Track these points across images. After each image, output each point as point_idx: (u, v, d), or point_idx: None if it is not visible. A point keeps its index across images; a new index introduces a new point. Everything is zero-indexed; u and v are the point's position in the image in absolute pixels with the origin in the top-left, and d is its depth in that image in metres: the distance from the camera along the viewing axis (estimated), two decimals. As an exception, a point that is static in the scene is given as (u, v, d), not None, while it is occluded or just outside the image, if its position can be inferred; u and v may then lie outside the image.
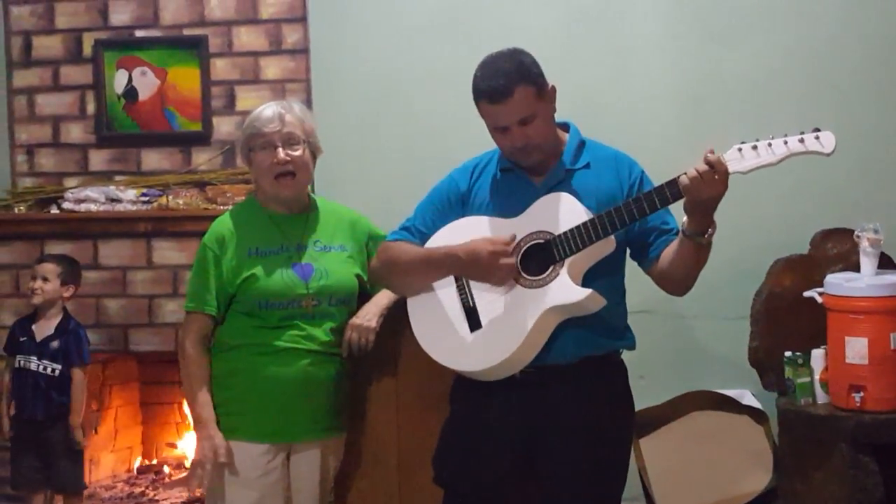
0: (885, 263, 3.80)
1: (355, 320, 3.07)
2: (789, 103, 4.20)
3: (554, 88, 2.77)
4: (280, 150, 2.98)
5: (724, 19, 4.28)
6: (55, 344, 4.37)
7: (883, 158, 4.17)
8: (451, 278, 2.80)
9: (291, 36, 4.66)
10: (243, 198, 4.34)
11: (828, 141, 2.54)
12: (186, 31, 4.74)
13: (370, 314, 3.08)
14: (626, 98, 4.31)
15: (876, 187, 4.15)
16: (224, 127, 4.72)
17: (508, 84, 2.67)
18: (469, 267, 2.71)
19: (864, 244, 3.71)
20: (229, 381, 2.98)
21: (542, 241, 2.69)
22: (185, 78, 4.73)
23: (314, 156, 3.09)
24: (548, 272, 2.67)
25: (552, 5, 4.40)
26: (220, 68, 4.72)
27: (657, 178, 2.77)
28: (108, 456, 5.06)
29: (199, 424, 2.98)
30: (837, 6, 4.19)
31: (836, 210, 4.11)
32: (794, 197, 4.19)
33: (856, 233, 3.76)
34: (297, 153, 3.02)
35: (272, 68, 4.68)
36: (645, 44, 4.33)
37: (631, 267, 2.92)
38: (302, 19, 4.64)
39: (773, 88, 4.23)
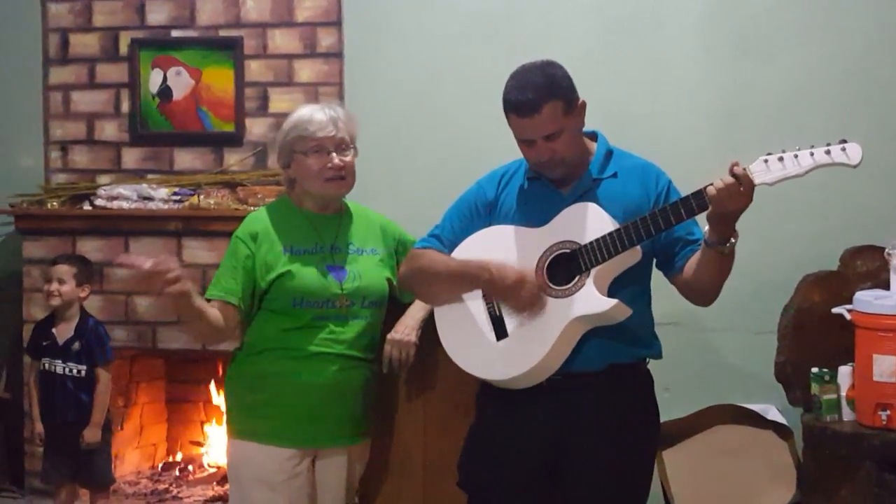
0: (915, 282, 3.78)
1: (394, 335, 3.08)
2: (821, 118, 4.19)
3: (584, 103, 2.77)
4: (334, 155, 2.99)
5: (758, 33, 4.27)
6: (77, 345, 4.37)
7: (915, 176, 4.15)
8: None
9: (326, 39, 4.69)
10: (274, 199, 4.40)
11: (854, 153, 2.53)
12: (222, 33, 4.78)
13: (408, 328, 3.08)
14: (658, 110, 4.31)
15: (908, 205, 4.13)
16: (257, 128, 4.75)
17: (537, 99, 2.67)
18: (495, 287, 2.72)
19: (895, 262, 3.69)
20: (258, 384, 2.98)
21: (568, 250, 2.70)
22: (220, 79, 4.76)
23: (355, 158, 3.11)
24: (574, 282, 2.68)
25: (588, 15, 4.40)
26: (255, 70, 4.75)
27: (688, 191, 2.77)
28: (133, 452, 5.10)
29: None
30: (870, 21, 4.17)
31: (867, 227, 4.10)
32: (824, 212, 4.17)
33: (886, 250, 3.74)
34: (348, 158, 3.03)
35: (306, 71, 4.71)
36: (679, 56, 4.33)
37: (658, 279, 2.92)
38: (337, 23, 4.67)
39: (805, 103, 4.22)
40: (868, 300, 3.67)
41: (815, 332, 3.94)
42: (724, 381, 4.28)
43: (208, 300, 3.00)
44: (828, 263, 4.05)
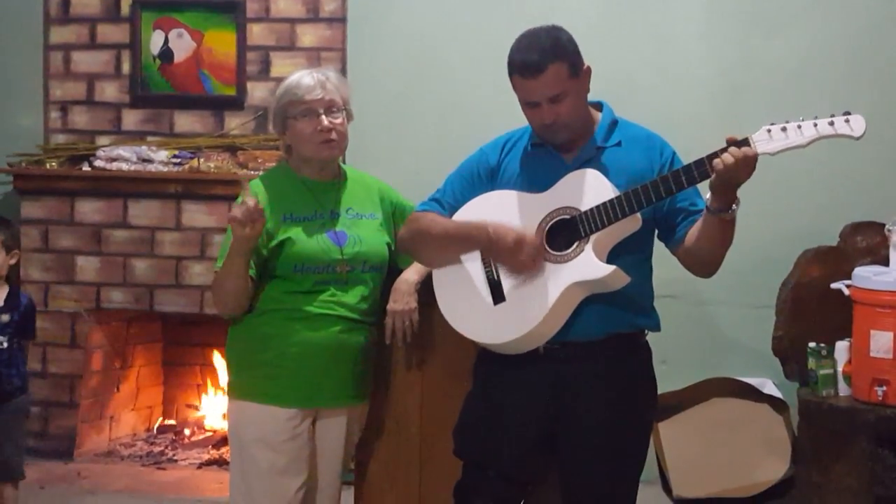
0: (914, 259, 3.79)
1: (394, 306, 3.07)
2: (825, 92, 4.18)
3: (589, 69, 2.76)
4: (324, 117, 2.99)
5: (764, 6, 4.26)
6: (5, 317, 3.71)
7: (919, 153, 4.14)
8: (478, 251, 2.80)
9: (329, 4, 4.67)
10: (274, 163, 4.37)
11: (857, 124, 2.52)
12: (224, -5, 4.76)
13: (406, 295, 3.08)
14: (663, 82, 4.30)
15: (910, 182, 4.13)
16: (258, 92, 4.74)
17: (542, 60, 2.66)
18: (493, 247, 2.72)
19: (895, 238, 3.70)
20: (259, 344, 2.98)
21: (567, 216, 2.69)
22: (221, 42, 4.74)
23: (348, 122, 3.10)
24: (573, 248, 2.67)
25: (594, -14, 4.38)
26: (257, 34, 4.73)
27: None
28: (129, 414, 5.12)
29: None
30: (877, -3, 4.17)
31: (868, 203, 4.10)
32: (825, 188, 4.18)
33: (886, 227, 3.75)
34: (339, 121, 3.02)
35: (308, 36, 4.69)
36: (684, 28, 4.32)
37: (657, 251, 2.92)
38: (340, -12, 4.65)
39: (809, 77, 4.21)
40: (867, 276, 3.68)
41: (813, 307, 3.95)
42: (721, 355, 4.29)
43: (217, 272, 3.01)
44: (828, 239, 4.05)
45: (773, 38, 4.23)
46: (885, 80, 4.16)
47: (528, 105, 2.73)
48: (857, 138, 2.52)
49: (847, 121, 2.51)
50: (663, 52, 4.33)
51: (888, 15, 4.16)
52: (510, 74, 2.73)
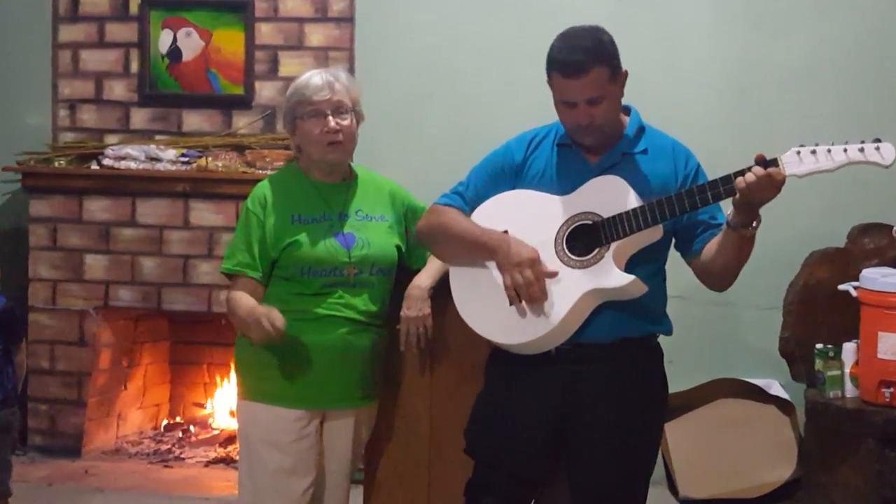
0: (922, 261, 3.79)
1: (408, 312, 3.07)
2: (832, 94, 4.19)
3: (626, 73, 2.76)
4: (330, 118, 2.98)
5: (772, 8, 4.26)
6: None
7: (926, 155, 4.14)
8: None
9: (337, 4, 4.67)
10: (282, 163, 4.39)
11: (888, 153, 2.52)
12: (233, -6, 4.77)
13: (419, 301, 3.07)
14: (671, 83, 4.30)
15: (917, 184, 4.12)
16: (266, 91, 4.75)
17: (586, 61, 2.65)
18: (504, 262, 2.72)
19: (902, 240, 3.70)
20: (268, 346, 2.99)
21: (589, 222, 2.69)
22: (230, 41, 4.75)
23: (358, 123, 3.10)
24: (593, 254, 2.67)
25: (602, -13, 4.38)
26: (265, 33, 4.74)
27: (708, 169, 2.78)
28: (136, 412, 5.13)
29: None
30: (882, -2, 4.17)
31: (875, 205, 4.10)
32: (833, 190, 4.16)
33: (894, 229, 3.75)
34: (346, 122, 3.01)
35: (316, 35, 4.70)
36: (692, 30, 4.32)
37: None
38: (349, -12, 4.65)
39: (816, 77, 4.22)
40: (874, 277, 3.68)
41: (820, 309, 3.96)
42: (729, 355, 4.30)
43: (228, 274, 3.02)
44: (835, 240, 4.06)
45: (779, 39, 4.24)
46: (891, 82, 4.16)
47: (564, 104, 2.70)
48: (887, 167, 2.52)
49: (878, 148, 2.51)
50: (671, 53, 4.33)
51: (894, 17, 4.16)
52: (549, 71, 2.71)
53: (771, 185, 2.52)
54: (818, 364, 3.83)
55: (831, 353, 3.80)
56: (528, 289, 2.67)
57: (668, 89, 4.27)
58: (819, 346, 3.84)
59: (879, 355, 3.61)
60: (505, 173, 2.83)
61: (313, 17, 4.70)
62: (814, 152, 2.54)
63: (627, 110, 2.84)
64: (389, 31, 4.61)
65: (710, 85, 4.29)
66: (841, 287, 3.82)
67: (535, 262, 2.68)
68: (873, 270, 3.76)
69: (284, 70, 4.70)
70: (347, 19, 4.66)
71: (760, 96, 4.24)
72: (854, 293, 3.75)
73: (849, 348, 3.80)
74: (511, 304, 2.73)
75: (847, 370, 3.79)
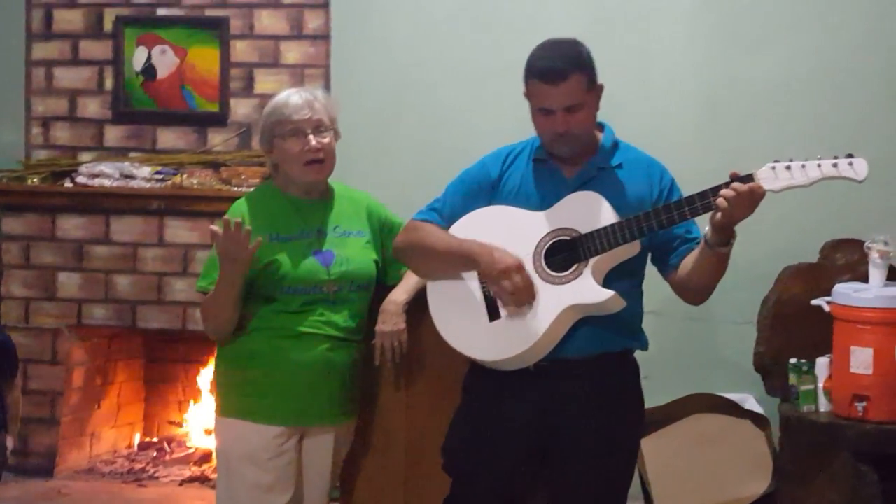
0: (893, 275, 3.82)
1: (383, 327, 3.07)
2: (807, 110, 4.22)
3: (602, 86, 2.79)
4: (311, 137, 2.99)
5: (747, 25, 4.30)
6: None
7: (897, 170, 4.18)
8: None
9: (313, 22, 4.68)
10: (258, 180, 4.39)
11: (860, 168, 2.56)
12: (208, 12, 4.77)
13: (395, 316, 3.07)
14: (646, 100, 4.33)
15: (888, 199, 4.16)
16: (241, 109, 4.74)
17: (566, 68, 2.68)
18: (489, 272, 2.72)
19: (874, 255, 3.74)
20: (246, 362, 2.98)
21: (567, 237, 2.70)
22: (205, 58, 4.75)
23: (336, 141, 3.11)
24: (571, 270, 2.68)
25: (577, 5, 4.41)
26: (240, 50, 4.74)
27: (683, 184, 2.80)
28: (110, 431, 5.09)
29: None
30: (859, 15, 4.21)
31: (847, 220, 4.13)
32: (805, 205, 4.19)
33: (866, 244, 3.78)
34: (326, 140, 3.02)
35: (292, 53, 4.70)
36: (667, 47, 4.35)
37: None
38: (324, 5, 4.66)
39: (791, 94, 4.25)
40: (847, 293, 3.71)
41: (794, 324, 3.98)
42: (704, 371, 4.31)
43: (203, 292, 3.00)
44: (808, 256, 4.09)
45: (754, 55, 4.27)
46: (866, 98, 4.20)
47: (542, 112, 2.72)
48: (860, 181, 2.55)
49: (850, 164, 2.55)
50: (646, 71, 4.36)
51: (868, 33, 4.21)
52: (528, 79, 2.73)
53: (751, 199, 2.54)
54: (792, 379, 3.85)
55: (805, 368, 3.83)
56: (517, 295, 2.68)
57: (641, 105, 4.30)
58: (793, 360, 3.86)
59: (852, 369, 3.63)
60: (481, 189, 2.84)
61: (289, 34, 4.71)
62: (788, 168, 2.57)
63: (601, 126, 2.86)
64: (365, 49, 4.61)
65: (683, 100, 4.32)
66: (814, 302, 3.85)
67: (521, 268, 2.68)
68: (846, 286, 3.79)
69: (260, 87, 4.70)
70: (323, 37, 4.67)
71: (735, 111, 4.27)
72: (827, 308, 3.78)
73: (822, 363, 3.82)
74: (492, 319, 2.73)
75: (821, 385, 3.81)
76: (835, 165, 2.55)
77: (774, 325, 4.01)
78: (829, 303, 3.78)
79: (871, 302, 3.64)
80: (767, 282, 4.07)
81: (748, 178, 2.57)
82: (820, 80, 4.22)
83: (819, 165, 2.55)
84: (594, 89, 2.74)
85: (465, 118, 4.38)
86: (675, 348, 4.26)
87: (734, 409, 4.15)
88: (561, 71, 2.67)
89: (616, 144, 2.84)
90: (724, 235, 2.61)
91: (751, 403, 4.15)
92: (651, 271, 2.89)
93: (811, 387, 3.81)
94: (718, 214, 2.57)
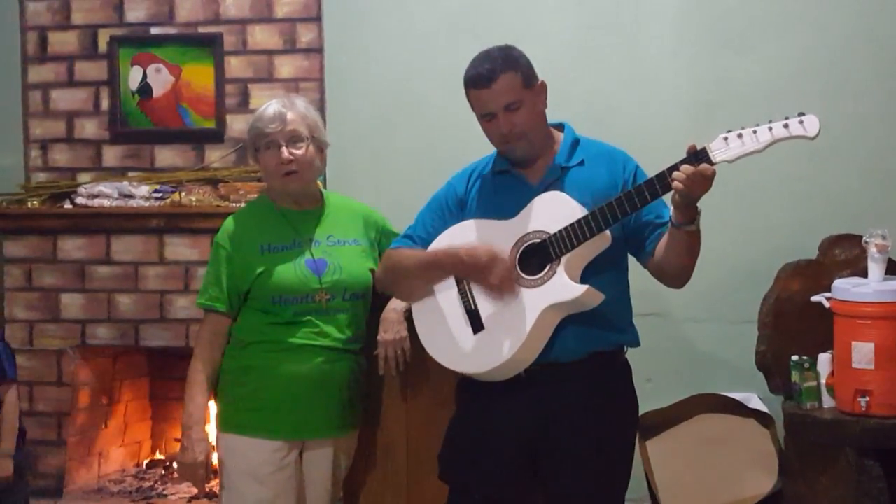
0: (892, 269, 3.82)
1: (384, 336, 3.08)
2: (798, 110, 4.19)
3: (544, 84, 2.81)
4: (284, 149, 3.00)
5: (736, 25, 4.30)
6: None
7: (893, 165, 4.18)
8: (453, 282, 2.82)
9: (306, 35, 4.69)
10: (255, 195, 4.39)
11: (811, 125, 2.54)
12: (201, 29, 4.78)
13: (395, 324, 3.09)
14: (638, 103, 4.33)
15: (885, 193, 4.17)
16: (237, 125, 4.75)
17: (494, 68, 2.73)
18: (467, 268, 2.74)
19: (872, 250, 3.73)
20: (244, 377, 3.00)
21: (538, 240, 2.72)
22: (200, 75, 4.76)
23: (321, 150, 3.11)
24: (545, 271, 2.70)
25: (566, 10, 4.42)
26: (235, 66, 4.75)
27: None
28: (118, 450, 5.10)
29: (189, 423, 3.00)
30: (848, 13, 4.21)
31: (845, 216, 4.13)
32: (803, 202, 4.21)
33: (864, 239, 3.78)
34: (300, 151, 3.03)
35: (286, 67, 4.71)
36: (657, 49, 4.36)
37: (639, 269, 2.94)
38: (317, 19, 4.67)
39: (784, 94, 4.24)
40: (846, 288, 3.70)
41: (794, 321, 3.98)
42: (706, 371, 4.31)
43: (206, 309, 3.03)
44: (808, 253, 4.08)
45: (744, 55, 4.28)
46: (859, 96, 4.20)
47: (484, 118, 2.77)
48: (812, 138, 2.54)
49: (801, 122, 2.54)
50: (637, 74, 4.36)
51: (860, 31, 4.20)
52: (466, 92, 2.78)
53: (703, 178, 2.55)
54: (794, 376, 3.84)
55: (807, 365, 3.82)
56: (504, 285, 2.69)
57: (633, 107, 4.31)
58: (794, 358, 3.86)
59: (854, 365, 3.63)
60: (450, 208, 2.88)
61: (282, 49, 4.72)
62: (740, 136, 2.58)
63: (561, 126, 2.89)
64: (359, 61, 4.63)
65: (676, 102, 4.32)
66: (814, 299, 3.84)
67: (496, 256, 2.70)
68: (845, 281, 3.78)
69: (255, 102, 4.69)
70: (316, 50, 4.68)
71: (726, 112, 4.26)
72: (827, 304, 3.77)
73: (824, 359, 3.82)
74: (476, 332, 2.74)
75: (823, 381, 3.81)
76: (786, 126, 2.55)
77: (775, 323, 4.01)
78: (828, 299, 3.78)
79: (871, 296, 3.63)
80: (767, 280, 4.07)
81: (702, 152, 2.58)
82: (812, 79, 4.22)
83: (770, 129, 2.56)
84: (533, 87, 2.76)
85: (459, 128, 4.33)
86: (676, 350, 4.27)
87: (739, 409, 4.15)
88: (489, 72, 2.72)
89: (577, 142, 2.86)
90: (688, 214, 2.61)
91: (755, 402, 4.15)
92: (646, 275, 2.89)
93: (814, 384, 3.81)
94: (677, 195, 2.57)
